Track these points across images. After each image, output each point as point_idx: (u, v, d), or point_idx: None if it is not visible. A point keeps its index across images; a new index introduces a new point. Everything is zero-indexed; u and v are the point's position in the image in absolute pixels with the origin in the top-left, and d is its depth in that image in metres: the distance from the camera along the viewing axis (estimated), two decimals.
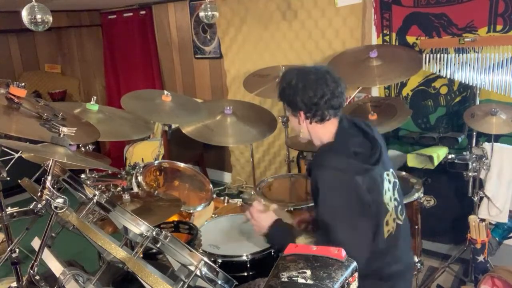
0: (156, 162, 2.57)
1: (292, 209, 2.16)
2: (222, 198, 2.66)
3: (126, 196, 1.98)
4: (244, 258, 1.78)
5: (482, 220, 2.42)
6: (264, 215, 1.71)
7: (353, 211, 1.44)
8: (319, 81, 1.53)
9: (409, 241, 1.72)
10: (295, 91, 1.54)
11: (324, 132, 1.58)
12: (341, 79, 1.59)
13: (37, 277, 1.18)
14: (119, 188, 2.37)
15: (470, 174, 2.49)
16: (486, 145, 2.58)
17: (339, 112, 1.59)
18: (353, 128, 1.59)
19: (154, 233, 1.11)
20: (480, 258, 2.40)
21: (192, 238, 1.82)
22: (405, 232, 1.66)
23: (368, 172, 1.46)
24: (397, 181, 1.65)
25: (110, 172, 2.47)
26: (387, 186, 1.55)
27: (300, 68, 1.60)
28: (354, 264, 0.93)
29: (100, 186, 2.48)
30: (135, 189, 2.26)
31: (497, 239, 2.64)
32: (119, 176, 2.49)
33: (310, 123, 1.58)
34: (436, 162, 2.60)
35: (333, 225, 1.42)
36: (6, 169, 1.56)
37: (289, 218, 1.89)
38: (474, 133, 2.58)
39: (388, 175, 1.58)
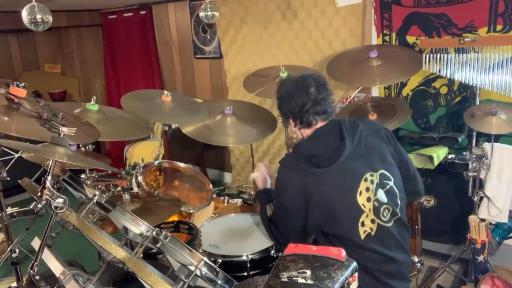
0: (156, 162, 2.57)
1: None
2: (222, 198, 2.66)
3: (126, 196, 1.98)
4: (244, 258, 1.78)
5: (482, 220, 2.42)
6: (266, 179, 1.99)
7: (285, 207, 1.64)
8: (300, 90, 1.65)
9: (406, 241, 1.69)
10: (281, 101, 1.71)
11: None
12: (325, 85, 1.69)
13: (37, 277, 1.18)
14: (119, 188, 2.37)
15: (470, 174, 2.49)
16: (486, 145, 2.58)
17: (329, 116, 1.69)
18: (333, 130, 1.63)
19: (154, 233, 1.11)
20: (480, 258, 2.40)
21: (192, 238, 1.82)
22: (401, 233, 1.64)
23: (317, 176, 1.55)
24: (389, 182, 1.63)
25: (110, 172, 2.47)
26: (365, 186, 1.57)
27: (287, 78, 1.79)
28: (354, 264, 0.93)
29: (100, 186, 2.48)
30: (135, 189, 2.26)
31: (497, 239, 2.63)
32: (119, 176, 2.49)
33: (299, 129, 1.71)
34: (436, 162, 2.60)
35: (273, 205, 1.75)
36: (6, 169, 1.57)
37: None
38: (474, 133, 2.58)
39: (372, 175, 1.59)
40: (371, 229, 1.56)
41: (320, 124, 1.67)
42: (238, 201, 2.62)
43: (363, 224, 1.55)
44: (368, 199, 1.57)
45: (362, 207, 1.55)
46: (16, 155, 2.38)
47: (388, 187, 1.63)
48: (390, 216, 1.61)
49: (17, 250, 1.46)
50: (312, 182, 1.55)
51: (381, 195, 1.60)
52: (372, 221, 1.57)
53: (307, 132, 1.69)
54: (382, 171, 1.63)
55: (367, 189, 1.57)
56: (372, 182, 1.59)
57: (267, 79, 3.05)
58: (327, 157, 1.56)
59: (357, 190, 1.56)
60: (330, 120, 1.68)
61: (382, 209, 1.59)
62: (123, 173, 2.47)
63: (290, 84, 1.70)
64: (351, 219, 1.55)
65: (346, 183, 1.57)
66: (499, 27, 2.61)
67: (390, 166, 1.67)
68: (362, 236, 1.55)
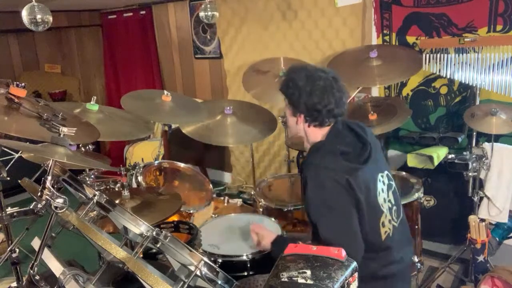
0: (156, 162, 2.57)
1: (292, 209, 2.16)
2: (222, 198, 2.66)
3: (126, 193, 1.99)
4: (244, 258, 1.78)
5: (482, 220, 2.42)
6: (266, 233, 1.74)
7: (340, 209, 1.44)
8: (327, 89, 1.53)
9: (410, 242, 1.70)
10: (300, 94, 1.54)
11: (319, 135, 1.59)
12: (345, 87, 1.61)
13: (37, 277, 1.18)
14: (118, 185, 2.37)
15: (470, 174, 2.49)
16: (486, 145, 2.58)
17: (339, 119, 1.60)
18: (346, 129, 1.60)
19: (154, 233, 1.11)
20: (480, 258, 2.40)
21: (192, 238, 1.81)
22: (404, 233, 1.65)
23: (357, 171, 1.46)
24: (393, 183, 1.63)
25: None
26: (380, 187, 1.55)
27: (309, 70, 1.59)
28: (354, 264, 0.93)
29: (99, 183, 2.47)
30: None
31: (497, 239, 2.63)
32: (118, 173, 2.48)
33: (309, 126, 1.59)
34: (436, 162, 2.60)
35: (321, 223, 1.44)
36: (6, 169, 1.57)
37: None
38: (474, 133, 2.58)
39: (382, 176, 1.58)
40: (389, 229, 1.54)
41: (330, 124, 1.59)
42: (238, 201, 2.62)
43: (383, 225, 1.52)
44: (384, 200, 1.55)
45: (382, 208, 1.53)
46: (16, 155, 2.38)
47: (393, 188, 1.62)
48: (397, 217, 1.60)
49: (17, 250, 1.46)
50: (352, 178, 1.44)
51: (391, 196, 1.59)
52: (389, 221, 1.55)
53: (316, 131, 1.59)
54: (387, 172, 1.62)
55: (382, 190, 1.55)
56: (383, 183, 1.57)
57: (266, 76, 3.05)
58: (358, 154, 1.50)
59: (377, 190, 1.53)
60: (337, 121, 1.60)
61: (393, 210, 1.58)
62: (122, 169, 2.47)
63: (312, 77, 1.55)
64: (374, 220, 1.50)
65: (371, 182, 1.52)
66: (499, 27, 2.61)
67: (388, 167, 1.67)
68: (383, 237, 1.52)
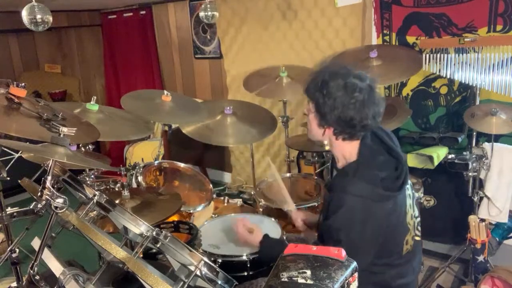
0: (156, 162, 2.57)
1: (292, 209, 2.15)
2: (222, 198, 2.66)
3: (126, 193, 1.99)
4: (244, 258, 1.78)
5: (482, 220, 2.42)
6: (253, 235, 1.73)
7: (363, 241, 1.35)
8: (365, 102, 1.35)
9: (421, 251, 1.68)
10: (335, 106, 1.36)
11: (348, 148, 1.45)
12: (383, 98, 1.45)
13: (37, 277, 1.18)
14: (118, 185, 2.37)
15: (470, 174, 2.49)
16: (486, 145, 2.58)
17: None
18: (376, 144, 1.47)
19: (154, 233, 1.11)
20: (480, 258, 2.40)
21: (192, 238, 1.81)
22: (420, 245, 1.63)
23: (395, 198, 1.38)
24: (415, 193, 1.58)
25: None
26: (409, 203, 1.49)
27: (346, 76, 1.37)
28: (354, 264, 0.93)
29: (99, 183, 2.47)
30: None
31: (497, 239, 2.64)
32: (118, 173, 2.48)
33: (336, 139, 1.45)
34: (436, 162, 2.60)
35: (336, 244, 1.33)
36: (6, 169, 1.57)
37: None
38: (474, 133, 2.58)
39: (408, 189, 1.51)
40: (411, 245, 1.51)
41: (360, 137, 1.45)
42: (238, 201, 2.62)
43: (406, 242, 1.48)
44: (411, 217, 1.50)
45: (408, 226, 1.48)
46: (16, 155, 2.38)
47: (415, 199, 1.57)
48: (419, 230, 1.56)
49: (17, 250, 1.46)
50: (391, 205, 1.36)
51: (416, 211, 1.55)
52: (412, 238, 1.52)
53: (344, 145, 1.45)
54: (409, 181, 1.53)
55: (410, 206, 1.50)
56: (409, 196, 1.51)
57: (267, 79, 3.05)
58: (394, 177, 1.39)
59: (407, 208, 1.47)
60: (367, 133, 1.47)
61: (417, 224, 1.55)
62: (122, 169, 2.46)
63: (350, 87, 1.35)
64: (399, 239, 1.46)
65: (404, 203, 1.44)
66: (499, 27, 2.61)
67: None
68: (404, 253, 1.48)
